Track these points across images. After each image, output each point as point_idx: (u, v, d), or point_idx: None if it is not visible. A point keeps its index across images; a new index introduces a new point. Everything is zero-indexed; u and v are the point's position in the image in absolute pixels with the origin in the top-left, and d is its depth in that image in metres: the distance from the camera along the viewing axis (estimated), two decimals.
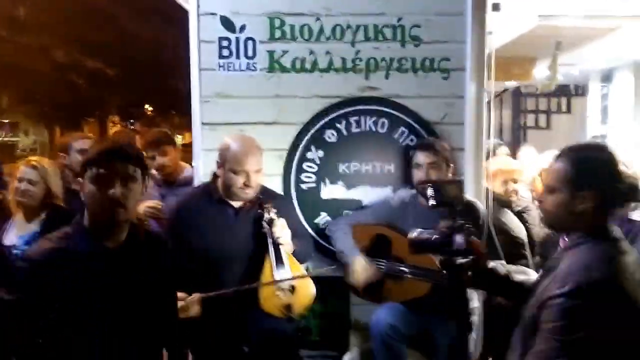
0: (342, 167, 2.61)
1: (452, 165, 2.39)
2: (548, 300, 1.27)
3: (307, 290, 2.16)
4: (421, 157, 2.34)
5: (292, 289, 2.10)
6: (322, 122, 2.58)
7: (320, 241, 2.59)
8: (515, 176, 3.02)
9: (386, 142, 2.59)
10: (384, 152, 2.60)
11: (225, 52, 2.55)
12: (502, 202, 2.85)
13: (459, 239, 1.39)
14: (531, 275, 1.56)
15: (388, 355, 2.24)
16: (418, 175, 2.34)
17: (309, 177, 2.61)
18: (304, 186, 2.61)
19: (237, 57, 2.55)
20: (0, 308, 1.55)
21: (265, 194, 2.22)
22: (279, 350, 2.13)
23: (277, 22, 2.55)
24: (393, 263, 2.28)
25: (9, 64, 9.19)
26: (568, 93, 7.38)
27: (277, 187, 2.52)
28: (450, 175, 2.37)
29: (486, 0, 2.54)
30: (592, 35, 4.46)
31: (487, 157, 2.73)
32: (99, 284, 1.38)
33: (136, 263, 1.45)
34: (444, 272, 1.43)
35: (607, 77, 6.45)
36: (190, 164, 2.87)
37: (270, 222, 2.09)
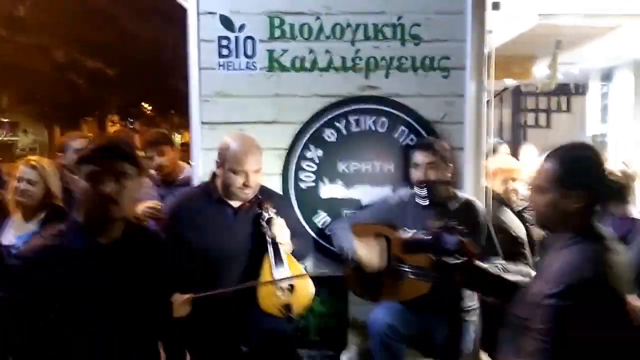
0: (341, 167, 2.60)
1: (451, 164, 2.38)
2: (539, 300, 1.28)
3: (306, 289, 2.16)
4: (420, 157, 2.33)
5: (291, 289, 2.09)
6: (321, 121, 2.58)
7: (320, 241, 2.59)
8: (514, 175, 3.02)
9: (386, 142, 2.59)
10: (384, 152, 2.59)
11: (225, 51, 2.55)
12: (501, 201, 2.85)
13: (450, 239, 1.39)
14: (526, 275, 1.56)
15: (386, 355, 2.24)
16: (417, 174, 2.34)
17: (309, 176, 2.61)
18: (303, 185, 2.61)
19: (237, 56, 2.55)
20: None
21: (265, 194, 2.22)
22: (278, 349, 2.13)
23: (276, 21, 2.54)
24: (396, 264, 2.27)
25: (8, 64, 9.19)
26: (568, 92, 7.38)
27: (276, 186, 2.52)
28: (449, 175, 2.36)
29: None
30: (592, 34, 4.45)
31: (488, 156, 2.72)
32: (94, 280, 1.38)
33: (131, 260, 1.45)
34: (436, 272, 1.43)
35: (607, 76, 6.45)
36: (189, 164, 2.87)
37: (269, 222, 2.09)
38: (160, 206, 2.66)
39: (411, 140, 2.57)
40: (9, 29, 9.04)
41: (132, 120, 14.53)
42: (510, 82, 6.20)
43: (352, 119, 2.58)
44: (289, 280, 2.07)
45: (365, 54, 2.56)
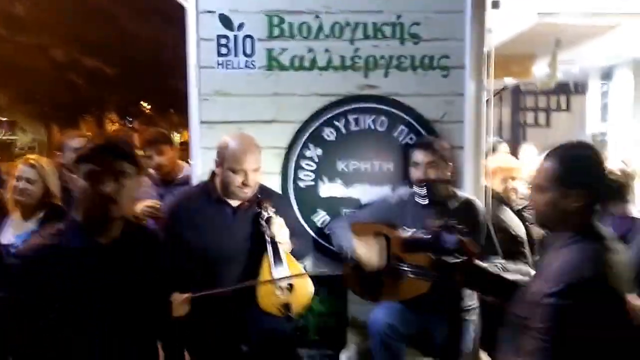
0: (340, 166, 2.60)
1: (450, 163, 2.38)
2: (538, 299, 1.27)
3: (306, 288, 2.16)
4: (419, 156, 2.33)
5: (291, 288, 2.09)
6: (321, 120, 2.57)
7: (319, 240, 2.59)
8: (514, 174, 3.01)
9: (385, 141, 2.58)
10: (383, 151, 2.59)
11: (224, 50, 2.54)
12: (501, 200, 2.84)
13: (450, 238, 1.39)
14: (525, 274, 1.56)
15: (386, 354, 2.24)
16: (416, 174, 2.34)
17: (308, 175, 2.60)
18: (302, 184, 2.60)
19: (236, 55, 2.54)
20: None
21: (264, 193, 2.22)
22: (277, 349, 2.13)
23: (275, 20, 2.54)
24: (396, 263, 2.27)
25: (6, 63, 9.18)
26: (568, 91, 7.38)
27: (275, 185, 2.52)
28: (448, 174, 2.36)
29: None
30: (591, 32, 4.45)
31: (487, 155, 2.72)
32: (93, 280, 1.38)
33: (130, 259, 1.44)
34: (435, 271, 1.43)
35: (606, 75, 6.45)
36: (188, 163, 2.86)
37: (268, 221, 2.09)
38: (159, 205, 2.66)
39: (411, 139, 2.57)
40: (7, 28, 9.03)
41: (131, 119, 14.51)
42: (509, 81, 6.20)
43: (351, 118, 2.58)
44: (288, 279, 2.07)
45: (364, 52, 2.55)
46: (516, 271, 2.18)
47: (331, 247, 2.51)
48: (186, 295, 1.99)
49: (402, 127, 2.58)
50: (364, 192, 2.59)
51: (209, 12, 2.53)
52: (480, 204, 2.41)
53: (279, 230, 2.11)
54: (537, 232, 2.91)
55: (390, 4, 2.54)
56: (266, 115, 2.56)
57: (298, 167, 2.59)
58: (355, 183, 2.60)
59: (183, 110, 2.80)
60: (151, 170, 2.96)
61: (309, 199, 2.60)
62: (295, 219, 2.52)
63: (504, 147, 4.16)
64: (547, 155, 1.42)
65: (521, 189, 3.11)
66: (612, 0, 3.88)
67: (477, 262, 1.50)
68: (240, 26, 2.54)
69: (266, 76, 2.56)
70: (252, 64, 2.55)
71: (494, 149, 3.77)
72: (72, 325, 1.36)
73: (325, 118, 2.57)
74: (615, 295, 1.25)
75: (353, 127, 2.59)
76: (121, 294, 1.41)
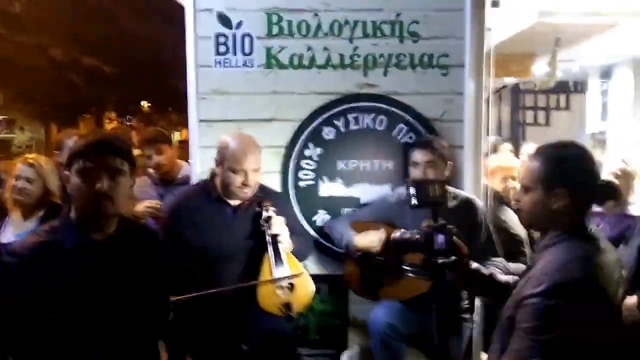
0: (340, 165, 2.59)
1: (450, 163, 2.37)
2: (524, 300, 1.27)
3: (306, 288, 2.15)
4: (419, 155, 2.32)
5: (291, 287, 2.08)
6: (320, 119, 2.56)
7: (319, 239, 2.58)
8: (514, 173, 3.01)
9: (385, 140, 2.57)
10: (383, 150, 2.58)
11: (222, 49, 2.53)
12: (501, 199, 2.84)
13: (440, 238, 1.39)
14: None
15: (387, 354, 2.23)
16: (415, 173, 2.33)
17: (307, 174, 2.59)
18: (302, 184, 2.59)
19: (234, 53, 2.53)
20: None
21: (264, 192, 2.21)
22: (278, 349, 2.12)
23: (274, 18, 2.53)
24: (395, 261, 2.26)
25: (4, 61, 9.16)
26: (567, 90, 7.38)
27: (275, 184, 2.51)
28: (447, 173, 2.35)
29: None
30: (591, 31, 4.45)
31: (489, 154, 2.71)
32: (87, 278, 1.37)
33: (125, 257, 1.43)
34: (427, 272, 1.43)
35: (606, 74, 6.45)
36: (188, 162, 2.86)
37: (268, 220, 2.08)
38: (159, 205, 2.66)
39: (410, 138, 2.56)
40: (6, 27, 9.01)
41: (130, 118, 14.49)
42: (509, 80, 6.20)
43: (350, 116, 2.57)
44: (288, 279, 2.06)
45: (363, 51, 2.54)
46: (516, 271, 2.17)
47: (332, 246, 2.51)
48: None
49: (401, 125, 2.57)
50: (364, 192, 2.58)
51: (207, 10, 2.52)
52: (480, 203, 2.40)
53: (279, 229, 2.11)
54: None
55: (389, 2, 2.53)
56: (265, 114, 2.55)
57: (298, 166, 2.58)
58: (355, 182, 2.59)
59: (182, 109, 2.79)
60: (150, 170, 2.96)
61: (309, 199, 2.59)
62: (296, 218, 2.52)
63: (507, 146, 4.16)
64: (533, 155, 1.42)
65: None
66: (611, 0, 3.88)
67: (468, 262, 1.50)
68: (239, 24, 2.53)
69: (265, 74, 2.55)
70: (251, 63, 2.54)
71: (495, 149, 3.77)
72: (69, 325, 1.35)
73: (324, 117, 2.56)
74: (602, 295, 1.25)
75: (352, 126, 2.58)
76: (118, 293, 1.40)
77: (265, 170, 2.27)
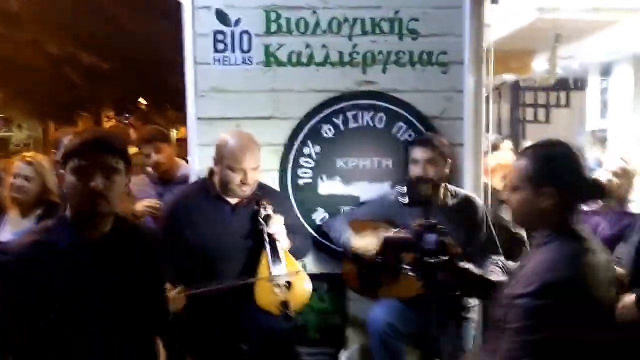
0: (339, 163, 2.58)
1: (449, 160, 2.36)
2: (514, 299, 1.27)
3: (304, 286, 2.15)
4: (418, 153, 2.31)
5: (289, 286, 2.08)
6: (319, 117, 2.55)
7: (318, 237, 2.57)
8: None
9: (384, 137, 2.56)
10: (382, 147, 2.57)
11: (221, 46, 2.52)
12: (501, 198, 2.83)
13: (429, 238, 1.38)
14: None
15: (386, 353, 2.23)
16: (415, 170, 2.32)
17: (306, 172, 2.58)
18: (300, 182, 2.58)
19: (233, 51, 2.52)
20: None
21: (262, 190, 2.21)
22: (277, 348, 2.12)
23: (272, 15, 2.51)
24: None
25: (2, 59, 9.12)
26: (567, 87, 7.36)
27: (273, 182, 2.50)
28: (447, 171, 2.35)
29: None
30: (591, 28, 4.44)
31: (491, 152, 2.70)
32: (83, 277, 1.36)
33: (120, 256, 1.42)
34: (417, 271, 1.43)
35: (606, 71, 6.44)
36: (186, 160, 2.85)
37: (266, 219, 2.08)
38: (159, 204, 2.65)
39: (409, 136, 2.55)
40: (2, 24, 8.97)
41: (128, 115, 14.45)
42: (508, 77, 6.19)
43: (349, 114, 2.56)
44: (286, 276, 2.06)
45: (362, 48, 2.53)
46: (497, 273, 2.17)
47: (331, 245, 2.50)
48: (177, 289, 1.97)
49: (400, 123, 2.56)
50: (363, 190, 2.57)
51: (205, 7, 2.51)
52: (479, 201, 2.40)
53: (277, 228, 2.11)
54: None
55: (388, 0, 2.51)
56: (264, 111, 2.54)
57: (296, 164, 2.57)
58: (354, 180, 2.58)
59: (180, 107, 2.78)
60: (149, 169, 2.95)
61: (308, 197, 2.58)
62: (294, 216, 2.51)
63: (507, 144, 4.15)
64: (521, 154, 1.42)
65: None
66: None
67: (459, 262, 1.49)
68: (237, 22, 2.52)
69: (263, 72, 2.53)
70: (249, 60, 2.52)
71: (495, 147, 3.76)
72: (67, 324, 1.34)
73: (323, 115, 2.55)
74: (592, 295, 1.24)
75: (351, 124, 2.57)
76: (114, 292, 1.39)
77: (264, 168, 2.26)
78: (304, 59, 2.53)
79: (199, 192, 2.21)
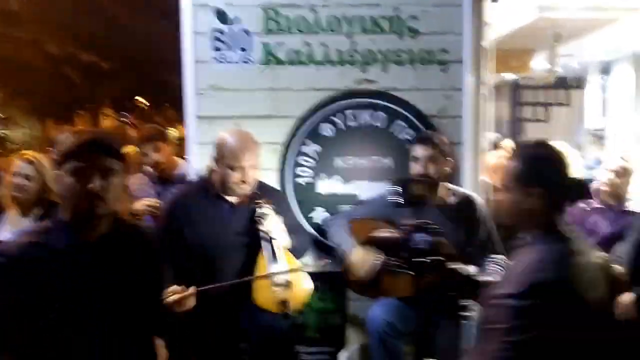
0: (338, 162, 2.57)
1: (450, 159, 2.36)
2: (500, 300, 1.27)
3: (303, 285, 2.15)
4: (419, 150, 2.30)
5: (288, 285, 2.08)
6: (318, 116, 2.54)
7: (317, 236, 2.57)
8: None
9: (383, 136, 2.56)
10: (381, 146, 2.56)
11: (219, 44, 2.51)
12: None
13: (418, 237, 1.38)
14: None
15: (385, 352, 2.22)
16: (416, 168, 2.31)
17: (305, 171, 2.58)
18: (300, 181, 2.58)
19: (232, 49, 2.51)
20: None
21: (262, 189, 2.21)
22: (277, 347, 2.11)
23: (271, 14, 2.51)
24: (388, 258, 2.25)
25: (1, 58, 9.12)
26: (567, 85, 7.35)
27: (272, 181, 2.49)
28: (448, 169, 2.34)
29: None
30: (591, 27, 4.44)
31: (489, 151, 2.70)
32: (80, 278, 1.36)
33: (118, 256, 1.42)
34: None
35: (605, 69, 6.43)
36: (185, 159, 2.84)
37: (265, 218, 2.07)
38: (158, 204, 2.65)
39: (409, 134, 2.55)
40: (1, 23, 8.97)
41: (126, 114, 14.44)
42: (508, 76, 6.19)
43: (349, 113, 2.55)
44: (284, 274, 2.05)
45: (361, 47, 2.52)
46: (489, 273, 2.16)
47: (330, 244, 2.49)
48: (194, 288, 1.97)
49: (400, 122, 2.55)
50: (363, 189, 2.57)
51: (204, 5, 2.50)
52: (480, 200, 2.39)
53: (275, 226, 2.10)
54: None
55: None
56: (263, 110, 2.54)
57: (296, 163, 2.57)
58: (353, 179, 2.58)
59: (179, 105, 2.77)
60: (148, 168, 2.94)
61: (308, 196, 2.57)
62: (293, 215, 2.51)
63: (508, 143, 4.14)
64: (511, 154, 1.44)
65: None
66: None
67: (450, 263, 1.49)
68: (236, 20, 2.51)
69: (262, 71, 2.53)
70: (248, 59, 2.52)
71: (496, 146, 3.75)
72: (65, 325, 1.34)
73: (322, 113, 2.54)
74: (576, 296, 1.25)
75: (351, 123, 2.56)
76: (111, 293, 1.39)
77: (263, 167, 2.26)
78: (303, 58, 2.52)
79: (198, 191, 2.21)
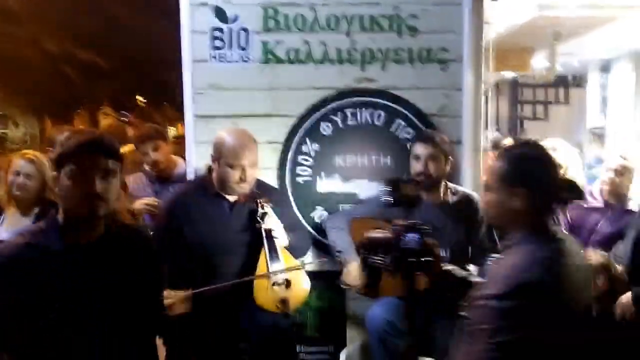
0: (338, 160, 2.57)
1: (450, 158, 2.35)
2: (485, 301, 1.26)
3: (302, 284, 2.15)
4: (420, 149, 2.30)
5: (288, 284, 2.07)
6: (317, 115, 2.53)
7: (317, 235, 2.56)
8: None
9: (383, 135, 2.55)
10: (381, 145, 2.56)
11: (218, 43, 2.50)
12: None
13: (409, 238, 1.38)
14: None
15: (385, 351, 2.22)
16: (416, 167, 2.31)
17: (305, 170, 2.57)
18: (299, 179, 2.57)
19: (230, 48, 2.50)
20: None
21: (261, 188, 2.20)
22: (277, 347, 2.11)
23: (270, 12, 2.50)
24: (385, 257, 2.24)
25: (0, 57, 9.10)
26: (566, 84, 7.35)
27: (272, 180, 2.49)
28: (448, 168, 2.34)
29: None
30: (590, 25, 4.43)
31: (492, 149, 2.69)
32: (77, 279, 1.35)
33: (115, 257, 1.41)
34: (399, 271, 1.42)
35: (605, 68, 6.43)
36: (183, 158, 2.83)
37: (264, 216, 2.07)
38: (157, 203, 2.64)
39: (408, 133, 2.54)
40: (0, 22, 8.94)
41: (125, 112, 14.42)
42: (508, 74, 6.18)
43: (348, 112, 2.55)
44: (284, 273, 2.05)
45: (361, 45, 2.51)
46: (482, 274, 2.16)
47: (329, 243, 2.49)
48: (185, 293, 1.97)
49: (399, 121, 2.55)
50: (362, 188, 2.56)
51: (203, 4, 2.49)
52: (479, 198, 2.38)
53: (275, 225, 2.10)
54: None
55: None
56: (262, 109, 2.53)
57: (295, 162, 2.56)
58: (353, 178, 2.57)
59: (178, 104, 2.77)
60: (146, 167, 2.94)
61: (307, 195, 2.57)
62: (293, 214, 2.50)
63: (509, 142, 4.14)
64: (498, 155, 1.43)
65: None
66: None
67: (442, 264, 1.49)
68: (235, 18, 2.50)
69: (261, 69, 2.52)
70: (247, 57, 2.51)
71: (497, 144, 3.75)
72: (61, 327, 1.33)
73: (321, 112, 2.53)
74: (560, 298, 1.24)
75: (350, 122, 2.55)
76: (108, 294, 1.39)
77: (262, 166, 2.26)
78: (302, 56, 2.51)
79: (197, 189, 2.21)
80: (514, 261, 1.29)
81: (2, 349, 1.35)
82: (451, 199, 2.33)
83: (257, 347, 2.10)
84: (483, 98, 2.54)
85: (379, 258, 2.02)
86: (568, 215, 2.61)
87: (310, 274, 2.24)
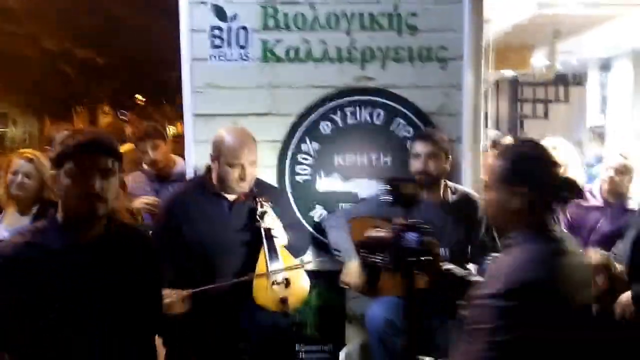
0: (337, 159, 2.56)
1: (450, 157, 2.35)
2: (484, 300, 1.26)
3: (302, 283, 2.15)
4: (420, 147, 2.30)
5: (287, 283, 2.07)
6: (317, 113, 2.53)
7: (316, 235, 2.56)
8: None
9: (382, 134, 2.55)
10: (381, 144, 2.55)
11: (217, 42, 2.49)
12: None
13: (409, 237, 1.38)
14: None
15: (385, 350, 2.22)
16: (416, 165, 2.31)
17: (304, 169, 2.57)
18: (299, 178, 2.57)
19: (230, 46, 2.50)
20: None
21: (261, 187, 2.20)
22: (277, 346, 2.11)
23: (270, 11, 2.49)
24: (384, 256, 2.24)
25: None
26: (566, 82, 7.35)
27: (271, 179, 2.48)
28: (447, 167, 2.34)
29: None
30: (590, 23, 4.43)
31: (492, 148, 2.69)
32: (76, 278, 1.35)
33: (114, 257, 1.41)
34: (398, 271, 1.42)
35: (605, 66, 6.42)
36: (183, 157, 2.83)
37: (263, 216, 2.07)
38: (157, 202, 2.64)
39: (408, 132, 2.54)
40: None
41: (122, 111, 14.41)
42: (507, 72, 6.17)
43: (348, 110, 2.54)
44: (283, 272, 2.05)
45: (361, 44, 2.51)
46: (481, 274, 2.16)
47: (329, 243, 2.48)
48: (185, 292, 1.97)
49: (399, 119, 2.54)
50: (362, 186, 2.56)
51: (202, 2, 2.48)
52: (479, 197, 2.38)
53: (274, 224, 2.10)
54: None
55: None
56: (261, 108, 2.52)
57: (295, 161, 2.55)
58: (352, 177, 2.56)
59: (177, 102, 2.76)
60: (145, 166, 2.93)
61: (306, 194, 2.56)
62: (292, 213, 2.50)
63: (509, 141, 4.14)
64: (497, 153, 1.43)
65: None
66: None
67: (442, 263, 1.48)
68: (234, 17, 2.49)
69: (261, 68, 2.51)
70: (246, 56, 2.50)
71: (496, 144, 3.74)
72: (60, 326, 1.33)
73: (321, 111, 2.53)
74: (559, 297, 1.24)
75: (350, 120, 2.55)
76: (110, 293, 1.38)
77: (261, 165, 2.25)
78: (301, 55, 2.51)
79: (196, 188, 2.20)
80: (513, 260, 1.28)
81: (2, 348, 1.35)
82: (451, 198, 2.33)
83: (256, 346, 2.10)
84: (483, 97, 2.53)
85: (379, 257, 2.02)
86: (568, 214, 2.61)
87: (310, 273, 2.24)
